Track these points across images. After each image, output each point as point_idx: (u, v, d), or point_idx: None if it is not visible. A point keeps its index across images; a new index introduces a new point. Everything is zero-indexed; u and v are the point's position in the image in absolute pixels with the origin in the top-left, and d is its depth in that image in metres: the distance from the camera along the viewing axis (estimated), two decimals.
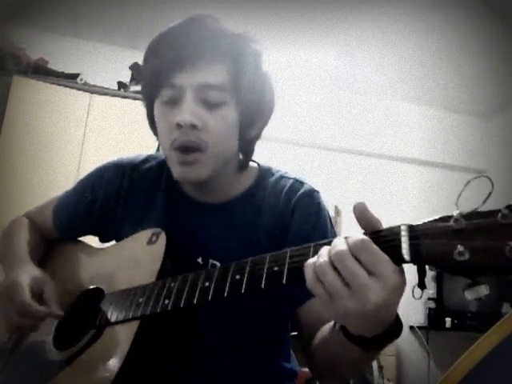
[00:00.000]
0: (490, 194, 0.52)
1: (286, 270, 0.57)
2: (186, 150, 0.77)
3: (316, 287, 0.52)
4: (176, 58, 0.76)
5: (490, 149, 4.56)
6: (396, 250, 0.50)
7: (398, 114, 4.46)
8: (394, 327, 0.56)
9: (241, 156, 0.88)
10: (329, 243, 0.54)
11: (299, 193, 0.85)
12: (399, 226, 0.51)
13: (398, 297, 0.52)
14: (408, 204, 4.29)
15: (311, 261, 0.53)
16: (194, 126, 0.75)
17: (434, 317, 3.86)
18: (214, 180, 0.83)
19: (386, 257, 0.50)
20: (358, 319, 0.52)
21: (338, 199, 3.66)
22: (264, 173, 0.91)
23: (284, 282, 0.56)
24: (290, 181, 0.88)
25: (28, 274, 0.82)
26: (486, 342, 0.75)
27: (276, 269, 0.58)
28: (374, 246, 0.50)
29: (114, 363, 0.65)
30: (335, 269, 0.50)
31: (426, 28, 3.38)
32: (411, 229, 0.50)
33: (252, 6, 3.13)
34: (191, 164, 0.78)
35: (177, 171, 0.80)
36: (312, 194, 0.86)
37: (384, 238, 0.51)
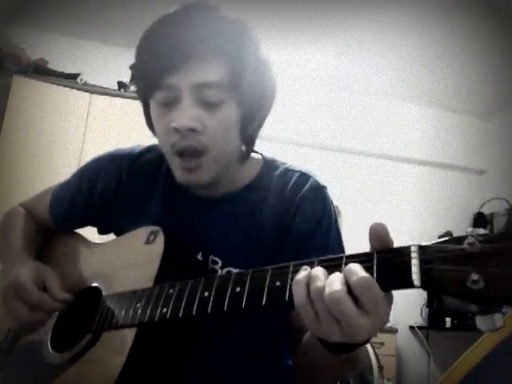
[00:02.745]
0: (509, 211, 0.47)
1: (288, 286, 0.53)
2: (187, 154, 0.74)
3: (306, 307, 0.49)
4: (167, 56, 0.70)
5: (489, 149, 4.56)
6: (405, 274, 0.47)
7: (397, 114, 4.46)
8: None
9: (243, 147, 0.83)
10: (335, 260, 0.52)
11: (305, 188, 0.81)
12: (409, 247, 0.48)
13: (383, 327, 0.50)
14: (408, 204, 4.29)
15: (302, 276, 0.50)
16: (192, 130, 0.71)
17: (434, 317, 3.86)
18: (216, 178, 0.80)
19: (383, 296, 0.47)
20: (337, 341, 0.50)
21: (337, 199, 3.64)
22: (268, 165, 0.87)
23: (286, 298, 0.53)
24: (296, 174, 0.84)
25: (27, 269, 0.81)
26: (485, 342, 0.75)
27: (278, 284, 0.55)
28: (376, 287, 0.47)
29: (113, 368, 0.64)
30: None
31: (426, 28, 3.38)
32: (422, 251, 0.47)
33: (252, 6, 3.13)
34: (194, 170, 0.74)
35: (179, 176, 0.77)
36: (317, 190, 0.82)
37: (392, 260, 0.48)
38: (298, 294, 0.50)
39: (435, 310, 3.85)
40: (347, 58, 3.87)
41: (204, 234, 0.82)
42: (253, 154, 0.88)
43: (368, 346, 2.54)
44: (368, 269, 0.48)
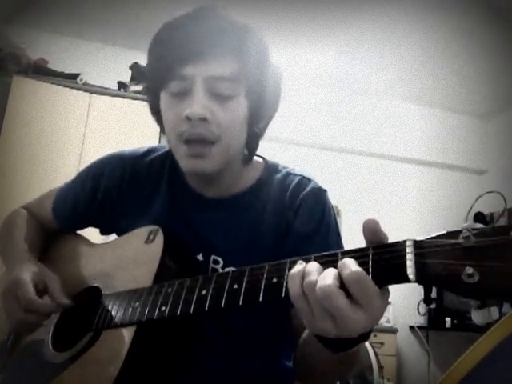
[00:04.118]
0: (504, 210, 0.48)
1: (285, 283, 0.54)
2: (195, 142, 0.75)
3: (300, 301, 0.50)
4: (184, 48, 0.74)
5: (489, 149, 4.56)
6: (400, 269, 0.47)
7: (398, 114, 4.46)
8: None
9: (246, 151, 0.85)
10: (331, 256, 0.52)
11: (305, 191, 0.83)
12: (405, 242, 0.48)
13: (378, 321, 0.50)
14: (408, 204, 4.30)
15: (297, 270, 0.51)
16: (203, 119, 0.73)
17: (434, 317, 3.87)
18: (219, 174, 0.81)
19: (376, 290, 0.48)
20: (333, 336, 0.51)
21: (337, 199, 3.65)
22: (270, 169, 0.89)
23: (283, 295, 0.54)
24: (297, 178, 0.86)
25: (29, 270, 0.81)
26: (486, 342, 0.75)
27: (275, 280, 0.55)
28: (368, 280, 0.47)
29: (112, 366, 0.65)
30: None
31: (426, 28, 3.38)
32: (417, 245, 0.47)
33: (252, 6, 3.13)
34: (199, 157, 0.76)
35: (184, 163, 0.78)
36: (318, 193, 0.84)
37: (388, 255, 0.48)
38: (292, 288, 0.51)
39: (435, 310, 3.85)
40: (347, 58, 3.87)
41: (206, 234, 0.83)
42: (255, 158, 0.89)
43: (368, 345, 2.54)
44: (363, 264, 0.49)
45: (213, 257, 0.81)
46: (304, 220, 0.81)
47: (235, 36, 0.75)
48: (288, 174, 0.87)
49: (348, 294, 0.48)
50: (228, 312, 0.78)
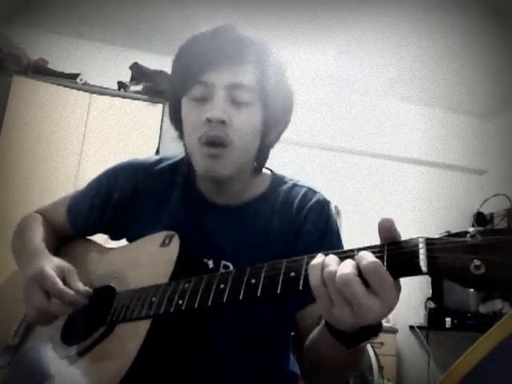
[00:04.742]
0: (508, 211, 0.53)
1: (302, 277, 0.58)
2: (214, 144, 0.80)
3: (320, 290, 0.54)
4: (208, 57, 0.80)
5: (489, 149, 4.56)
6: (414, 261, 0.51)
7: (398, 114, 4.46)
8: (374, 325, 0.57)
9: (255, 163, 0.91)
10: (347, 252, 0.56)
11: (311, 202, 0.88)
12: (417, 238, 0.52)
13: (392, 311, 0.53)
14: (408, 204, 4.30)
15: (317, 262, 0.55)
16: (222, 122, 0.79)
17: (434, 317, 3.87)
18: (229, 181, 0.86)
19: (391, 280, 0.51)
20: (349, 325, 0.55)
21: (338, 199, 3.66)
22: (277, 180, 0.94)
23: (300, 288, 0.58)
24: (303, 189, 0.91)
25: (51, 262, 0.83)
26: (486, 342, 0.75)
27: (293, 274, 0.59)
28: (384, 270, 0.51)
29: (124, 360, 0.66)
30: None
31: (426, 28, 3.38)
32: (429, 241, 0.51)
33: (252, 6, 3.14)
34: (217, 157, 0.80)
35: (202, 164, 0.82)
36: (323, 205, 0.89)
37: (402, 250, 0.52)
38: (313, 278, 0.54)
39: (435, 310, 3.86)
40: (347, 58, 3.87)
41: (216, 241, 0.87)
42: (263, 170, 0.95)
43: (368, 346, 2.55)
44: (379, 258, 0.53)
45: (223, 262, 0.84)
46: (310, 229, 0.86)
47: (255, 49, 0.82)
48: (294, 185, 0.93)
49: (365, 284, 0.52)
50: (233, 314, 0.79)
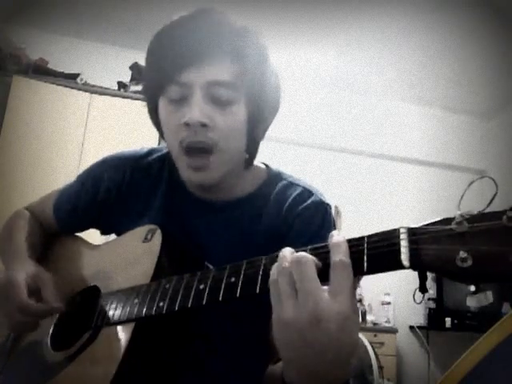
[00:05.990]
0: (494, 195, 0.48)
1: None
2: (195, 151, 0.74)
3: (274, 285, 0.51)
4: (182, 54, 0.72)
5: (489, 149, 4.56)
6: (394, 255, 0.47)
7: (397, 114, 4.46)
8: None
9: (246, 155, 0.84)
10: (322, 247, 0.53)
11: (305, 203, 0.82)
12: (398, 229, 0.48)
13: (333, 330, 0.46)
14: (408, 204, 4.30)
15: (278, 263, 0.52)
16: (203, 125, 0.72)
17: (434, 317, 3.87)
18: (220, 182, 0.80)
19: (313, 276, 0.48)
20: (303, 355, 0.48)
21: (337, 199, 3.66)
22: (273, 177, 0.88)
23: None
24: (299, 189, 0.85)
25: (25, 271, 0.81)
26: (485, 342, 0.75)
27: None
28: (306, 267, 0.48)
29: (110, 364, 0.65)
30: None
31: (426, 28, 3.38)
32: (411, 232, 0.47)
33: (252, 6, 3.14)
34: (202, 169, 0.75)
35: (185, 175, 0.78)
36: (319, 207, 0.82)
37: (382, 242, 0.48)
38: (272, 271, 0.51)
39: (435, 310, 3.86)
40: (347, 58, 3.87)
41: (202, 238, 0.83)
42: (258, 165, 0.89)
43: (368, 346, 2.54)
44: (359, 252, 0.49)
45: (206, 261, 0.80)
46: (300, 233, 0.80)
47: (233, 39, 0.74)
48: (290, 183, 0.86)
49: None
50: (229, 312, 0.78)
